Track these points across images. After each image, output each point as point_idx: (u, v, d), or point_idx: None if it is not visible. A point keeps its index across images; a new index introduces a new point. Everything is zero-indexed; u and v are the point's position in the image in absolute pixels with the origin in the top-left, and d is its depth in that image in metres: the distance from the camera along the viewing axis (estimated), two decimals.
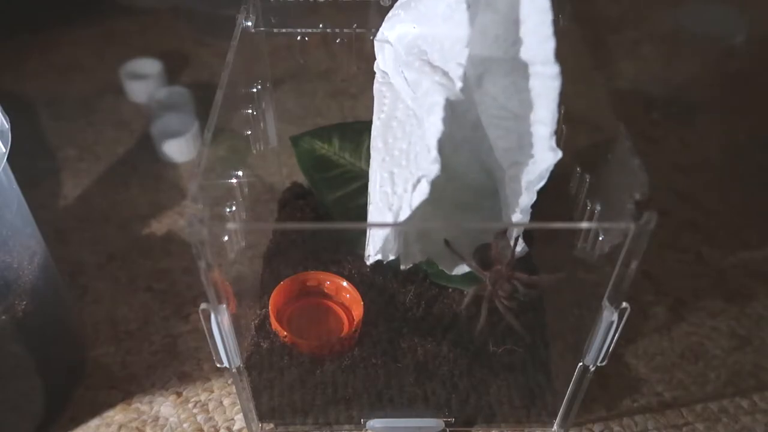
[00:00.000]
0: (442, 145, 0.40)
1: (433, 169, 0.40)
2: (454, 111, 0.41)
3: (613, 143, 0.40)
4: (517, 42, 0.41)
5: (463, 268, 0.49)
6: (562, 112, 0.48)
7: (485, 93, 0.45)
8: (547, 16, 0.39)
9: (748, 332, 0.55)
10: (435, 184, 0.42)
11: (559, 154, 0.40)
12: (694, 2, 0.89)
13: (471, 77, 0.44)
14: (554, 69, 0.39)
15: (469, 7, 0.40)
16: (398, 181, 0.45)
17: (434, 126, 0.40)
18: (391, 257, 0.48)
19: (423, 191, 0.41)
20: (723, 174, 0.69)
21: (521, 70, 0.41)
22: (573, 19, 0.48)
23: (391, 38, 0.46)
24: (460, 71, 0.40)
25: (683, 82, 0.80)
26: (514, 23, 0.40)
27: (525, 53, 0.41)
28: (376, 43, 0.47)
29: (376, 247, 0.47)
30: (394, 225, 0.45)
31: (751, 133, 0.74)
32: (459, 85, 0.40)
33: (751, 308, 0.57)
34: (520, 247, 0.47)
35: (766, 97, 0.78)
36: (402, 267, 0.49)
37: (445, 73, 0.41)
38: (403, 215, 0.44)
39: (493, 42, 0.42)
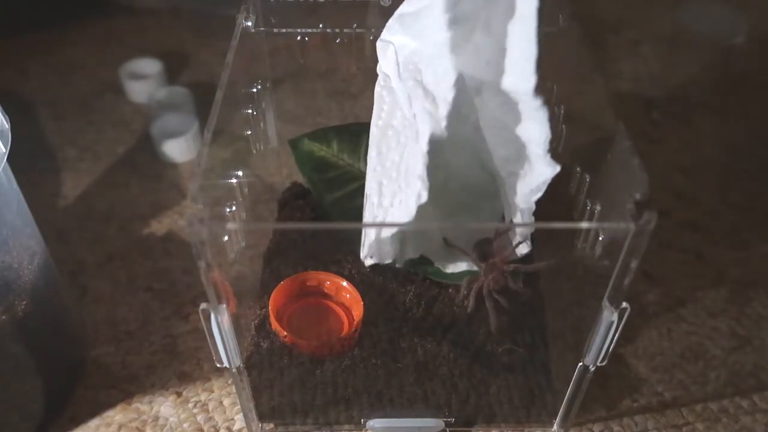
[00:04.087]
0: (443, 147, 0.40)
1: (423, 195, 0.41)
2: (456, 113, 0.42)
3: (613, 143, 0.40)
4: (502, 72, 0.41)
5: (459, 267, 0.49)
6: (562, 111, 0.48)
7: (484, 103, 0.45)
8: (533, 50, 0.39)
9: (748, 332, 0.55)
10: (436, 184, 0.42)
11: (557, 168, 0.41)
12: (694, 2, 0.89)
13: (470, 87, 0.44)
14: (537, 102, 0.40)
15: (456, 22, 0.40)
16: (386, 192, 0.45)
17: (421, 153, 0.40)
18: (387, 261, 0.48)
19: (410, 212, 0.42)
20: (723, 174, 0.69)
21: (511, 95, 0.42)
22: (573, 19, 0.48)
23: (394, 43, 0.46)
24: (445, 110, 0.41)
25: (683, 82, 0.80)
26: (502, 51, 0.41)
27: (509, 85, 0.41)
28: (378, 44, 0.47)
29: (371, 251, 0.47)
30: (394, 225, 0.45)
31: (751, 133, 0.74)
32: (444, 123, 0.41)
33: (751, 308, 0.57)
34: (527, 249, 0.47)
35: (766, 97, 0.78)
36: (398, 265, 0.49)
37: (434, 101, 0.41)
38: (385, 231, 0.44)
39: (485, 65, 0.43)
